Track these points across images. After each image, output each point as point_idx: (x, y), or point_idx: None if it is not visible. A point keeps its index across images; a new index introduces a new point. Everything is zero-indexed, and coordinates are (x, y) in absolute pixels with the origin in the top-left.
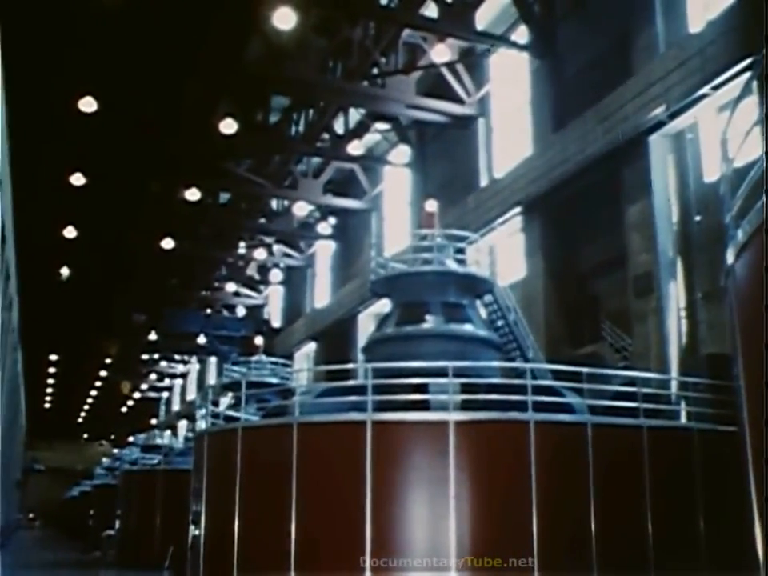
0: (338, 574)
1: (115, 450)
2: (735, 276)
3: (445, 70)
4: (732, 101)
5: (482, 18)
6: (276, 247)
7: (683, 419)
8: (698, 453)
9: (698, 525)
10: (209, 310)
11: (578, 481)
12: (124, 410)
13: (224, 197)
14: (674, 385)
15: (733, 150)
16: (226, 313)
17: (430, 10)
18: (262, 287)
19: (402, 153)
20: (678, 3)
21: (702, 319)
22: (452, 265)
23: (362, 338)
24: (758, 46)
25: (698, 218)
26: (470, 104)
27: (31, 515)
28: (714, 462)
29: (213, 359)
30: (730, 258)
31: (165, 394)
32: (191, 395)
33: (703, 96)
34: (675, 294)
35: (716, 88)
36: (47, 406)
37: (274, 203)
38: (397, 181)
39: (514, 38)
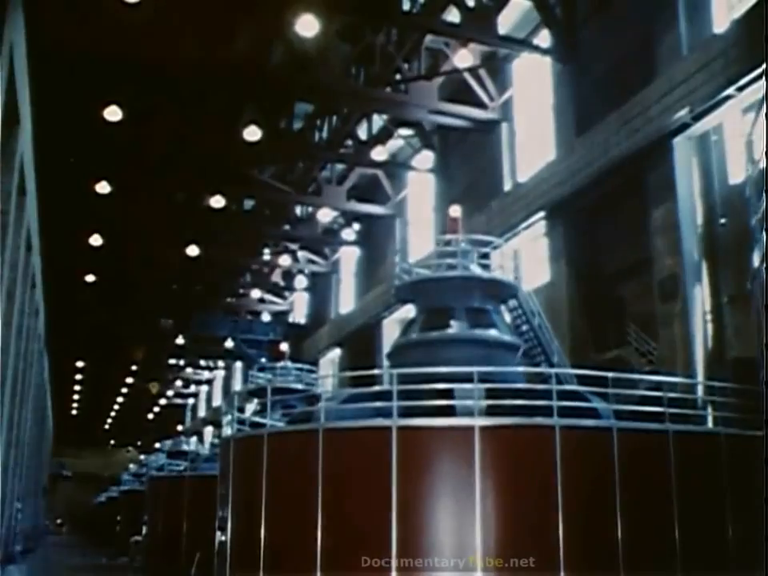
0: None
1: (142, 457)
2: (761, 279)
3: (467, 75)
4: (757, 102)
5: (505, 23)
6: (300, 254)
7: (710, 424)
8: (725, 457)
9: (726, 530)
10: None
11: (603, 486)
12: (150, 416)
13: (248, 204)
14: (700, 389)
15: (758, 151)
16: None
17: (453, 16)
18: (286, 293)
19: (426, 158)
20: (702, 4)
21: (728, 323)
22: (476, 270)
23: (386, 344)
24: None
25: (723, 221)
26: (493, 109)
27: (59, 521)
28: (742, 467)
29: (238, 365)
30: (756, 260)
31: (191, 401)
32: (217, 401)
33: (728, 97)
34: (701, 297)
35: (740, 89)
36: (74, 412)
37: (298, 210)
38: (421, 186)
39: (536, 42)
